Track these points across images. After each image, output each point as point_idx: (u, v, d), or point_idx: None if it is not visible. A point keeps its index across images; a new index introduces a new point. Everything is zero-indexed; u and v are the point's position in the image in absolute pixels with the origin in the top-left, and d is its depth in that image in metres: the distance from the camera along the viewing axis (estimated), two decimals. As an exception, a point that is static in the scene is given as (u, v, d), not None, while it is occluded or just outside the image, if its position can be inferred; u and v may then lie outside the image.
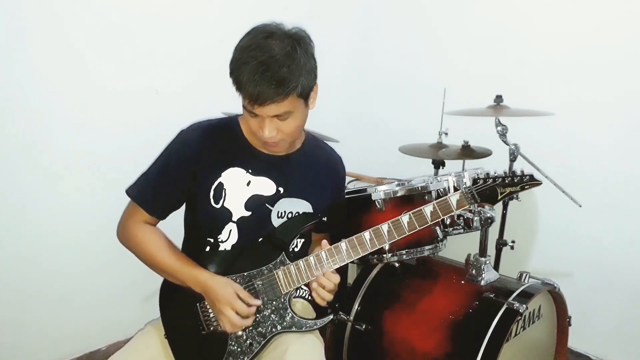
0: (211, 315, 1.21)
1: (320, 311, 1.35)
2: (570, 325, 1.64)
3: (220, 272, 1.21)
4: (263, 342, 1.19)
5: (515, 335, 1.45)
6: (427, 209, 1.21)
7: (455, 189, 1.52)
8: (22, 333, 1.79)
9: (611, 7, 1.85)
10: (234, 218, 1.24)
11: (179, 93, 2.01)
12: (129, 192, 1.26)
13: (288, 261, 1.22)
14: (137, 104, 1.92)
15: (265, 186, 1.26)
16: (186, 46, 2.00)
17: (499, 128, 1.62)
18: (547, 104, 1.82)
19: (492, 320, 1.36)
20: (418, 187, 1.55)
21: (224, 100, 1.86)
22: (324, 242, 1.22)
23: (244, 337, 1.19)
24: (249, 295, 1.18)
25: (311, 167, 1.33)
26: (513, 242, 1.82)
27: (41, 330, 1.83)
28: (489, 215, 1.52)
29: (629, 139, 1.88)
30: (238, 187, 1.24)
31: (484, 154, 1.82)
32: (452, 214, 1.22)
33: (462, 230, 1.59)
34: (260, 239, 1.25)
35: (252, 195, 1.25)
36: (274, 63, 1.06)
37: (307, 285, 1.43)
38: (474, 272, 1.56)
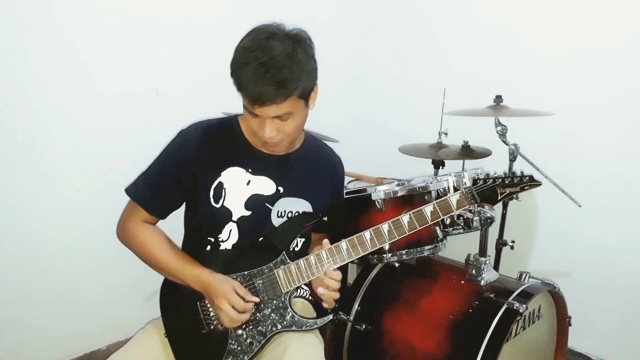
0: (211, 314, 1.21)
1: (320, 310, 1.35)
2: (570, 325, 1.64)
3: (221, 271, 1.21)
4: (263, 341, 1.19)
5: (515, 335, 1.45)
6: (427, 209, 1.21)
7: (455, 189, 1.52)
8: (22, 333, 1.79)
9: (611, 7, 1.85)
10: (234, 217, 1.24)
11: (179, 93, 2.01)
12: (128, 191, 1.26)
13: (288, 260, 1.22)
14: (137, 105, 1.92)
15: (265, 185, 1.26)
16: (186, 46, 2.00)
17: (499, 128, 1.62)
18: (547, 104, 1.82)
19: (492, 320, 1.36)
20: (418, 187, 1.55)
21: (224, 101, 1.86)
22: (325, 241, 1.22)
23: (244, 336, 1.19)
24: (247, 292, 1.18)
25: (311, 167, 1.33)
26: (513, 242, 1.82)
27: (41, 330, 1.83)
28: (488, 215, 1.52)
29: (629, 139, 1.88)
30: (238, 186, 1.24)
31: (483, 154, 1.82)
32: (452, 214, 1.23)
33: (462, 230, 1.59)
34: (260, 239, 1.26)
35: (252, 195, 1.25)
36: (274, 64, 1.07)
37: (307, 284, 1.44)
38: (473, 272, 1.56)
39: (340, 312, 1.64)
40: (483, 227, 1.54)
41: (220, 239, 1.25)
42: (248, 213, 1.25)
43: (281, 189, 1.27)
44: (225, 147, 1.25)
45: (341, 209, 1.46)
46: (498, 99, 1.77)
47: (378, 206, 1.54)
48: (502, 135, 1.62)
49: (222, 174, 1.24)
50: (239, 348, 1.19)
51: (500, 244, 1.85)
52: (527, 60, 2.08)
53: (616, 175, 1.92)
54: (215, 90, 2.07)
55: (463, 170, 1.59)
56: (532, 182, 1.23)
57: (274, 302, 1.21)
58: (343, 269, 1.32)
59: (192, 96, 2.02)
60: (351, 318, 1.61)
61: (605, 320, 2.02)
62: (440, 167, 2.00)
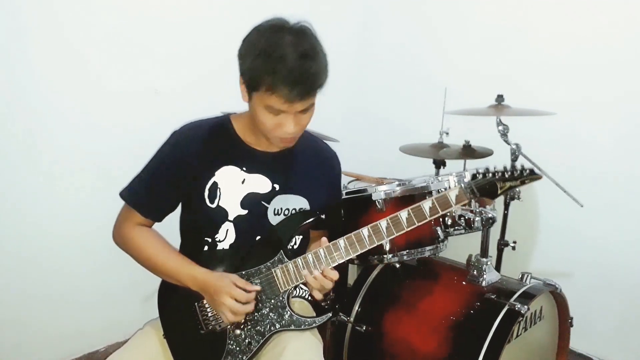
0: (209, 314, 1.20)
1: (319, 310, 1.34)
2: (572, 326, 1.63)
3: (219, 271, 1.20)
4: (262, 340, 1.19)
5: (517, 336, 1.44)
6: (426, 205, 1.19)
7: (457, 189, 1.51)
8: (22, 333, 1.79)
9: (612, 7, 1.84)
10: (230, 217, 1.24)
11: (179, 93, 2.00)
12: (122, 195, 1.25)
13: (286, 259, 1.21)
14: (137, 104, 1.91)
15: (260, 184, 1.26)
16: (186, 46, 1.99)
17: (500, 128, 1.61)
18: (549, 103, 1.81)
19: (493, 321, 1.35)
20: (419, 187, 1.55)
21: (223, 100, 1.86)
22: (324, 239, 1.21)
23: (243, 336, 1.19)
24: (246, 282, 1.17)
25: (306, 163, 1.32)
26: (514, 242, 1.81)
27: (41, 330, 1.83)
28: (490, 215, 1.51)
29: (630, 138, 1.87)
30: (233, 185, 1.24)
31: (485, 153, 1.81)
32: (451, 209, 1.20)
33: (463, 231, 1.58)
34: (258, 238, 1.25)
35: (248, 194, 1.24)
36: (307, 58, 1.07)
37: (305, 284, 1.43)
38: (475, 272, 1.55)
39: (341, 313, 1.63)
40: (484, 227, 1.53)
41: (217, 239, 1.24)
42: (244, 212, 1.24)
43: (277, 187, 1.26)
44: (218, 146, 1.24)
45: (338, 204, 1.45)
46: (499, 98, 1.76)
47: (378, 206, 1.53)
48: (504, 134, 1.62)
49: (217, 173, 1.23)
50: (237, 348, 1.18)
51: (502, 244, 1.84)
52: (529, 60, 2.07)
53: (618, 175, 1.91)
54: (215, 90, 2.08)
55: (464, 170, 1.58)
56: (532, 176, 1.20)
57: (272, 301, 1.20)
58: (343, 270, 1.32)
59: (191, 96, 2.02)
60: (351, 319, 1.61)
61: (607, 321, 2.01)
62: (442, 167, 1.99)
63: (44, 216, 1.77)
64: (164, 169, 1.23)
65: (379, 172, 2.08)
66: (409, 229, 1.19)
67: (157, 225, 1.31)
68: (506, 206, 1.82)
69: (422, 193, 1.55)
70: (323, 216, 1.32)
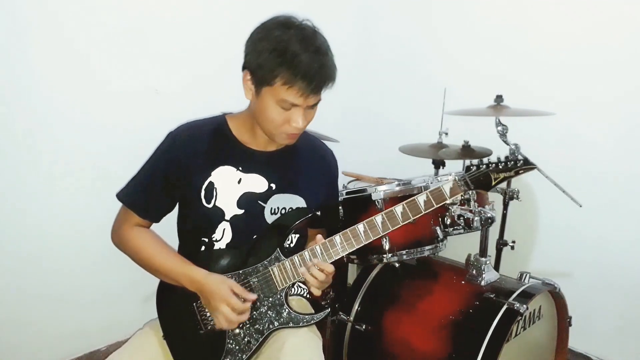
0: (208, 314, 1.21)
1: (317, 307, 1.35)
2: (570, 325, 1.64)
3: (216, 271, 1.20)
4: (261, 339, 1.19)
5: (516, 335, 1.45)
6: (421, 198, 1.19)
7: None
8: (22, 333, 1.79)
9: (611, 7, 1.85)
10: (227, 217, 1.24)
11: (179, 93, 2.01)
12: (119, 196, 1.26)
13: (283, 257, 1.21)
14: (137, 104, 1.92)
15: (256, 183, 1.26)
16: (186, 46, 2.00)
17: (500, 128, 1.61)
18: (548, 103, 1.81)
19: (492, 321, 1.36)
20: (418, 187, 1.55)
21: (223, 100, 1.86)
22: (319, 236, 1.21)
23: (242, 335, 1.19)
24: (244, 290, 1.17)
25: (303, 162, 1.32)
26: (513, 242, 1.81)
27: (41, 330, 1.83)
28: (489, 215, 1.51)
29: (630, 138, 1.87)
30: (229, 185, 1.24)
31: (484, 153, 1.82)
32: (446, 202, 1.20)
33: (462, 231, 1.59)
34: (254, 236, 1.25)
35: (244, 193, 1.25)
36: (323, 52, 1.11)
37: (303, 282, 1.43)
38: (474, 272, 1.55)
39: (341, 313, 1.64)
40: (483, 227, 1.53)
41: (214, 239, 1.24)
42: (241, 212, 1.24)
43: (273, 186, 1.27)
44: (214, 146, 1.24)
45: (335, 203, 1.45)
46: (499, 98, 1.77)
47: (378, 206, 1.53)
48: (503, 135, 1.62)
49: (212, 173, 1.23)
50: (237, 347, 1.19)
51: (501, 244, 1.85)
52: (528, 60, 2.08)
53: (617, 175, 1.91)
54: (215, 90, 2.08)
55: (464, 170, 1.59)
56: (526, 166, 1.19)
57: (270, 299, 1.20)
58: (343, 269, 1.32)
59: (192, 96, 2.02)
60: (351, 318, 1.61)
61: (606, 320, 2.01)
62: (441, 167, 1.99)
63: (44, 216, 1.78)
64: (160, 170, 1.23)
65: (379, 172, 2.09)
66: (404, 223, 1.19)
67: (155, 226, 1.32)
68: (505, 206, 1.82)
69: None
70: (319, 213, 1.32)
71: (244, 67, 1.17)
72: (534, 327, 1.54)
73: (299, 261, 1.20)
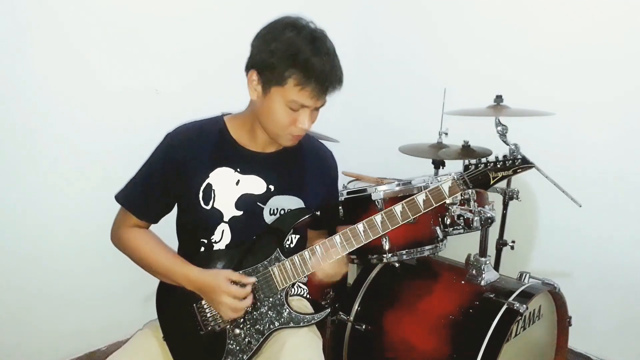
0: (208, 315, 1.21)
1: (317, 307, 1.35)
2: (570, 325, 1.64)
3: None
4: (261, 339, 1.19)
5: (516, 335, 1.45)
6: (420, 197, 1.19)
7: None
8: (22, 333, 1.79)
9: (611, 7, 1.85)
10: (226, 218, 1.24)
11: (179, 93, 2.01)
12: (118, 198, 1.26)
13: (283, 257, 1.21)
14: (137, 104, 1.92)
15: (255, 184, 1.25)
16: (186, 46, 2.00)
17: (499, 128, 1.61)
18: (547, 104, 1.81)
19: (492, 320, 1.36)
20: (418, 187, 1.55)
21: (224, 100, 1.86)
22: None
23: (242, 335, 1.19)
24: (241, 275, 1.17)
25: (301, 162, 1.32)
26: (513, 242, 1.82)
27: (41, 330, 1.83)
28: (489, 215, 1.51)
29: (629, 138, 1.87)
30: (227, 187, 1.24)
31: (484, 154, 1.82)
32: (445, 201, 1.20)
33: (462, 230, 1.59)
34: (254, 237, 1.25)
35: (242, 195, 1.24)
36: (333, 54, 1.13)
37: (303, 282, 1.43)
38: (474, 272, 1.56)
39: (340, 313, 1.64)
40: (483, 227, 1.54)
41: (213, 240, 1.24)
42: (239, 213, 1.24)
43: (272, 187, 1.26)
44: (212, 147, 1.24)
45: (336, 204, 1.45)
46: (498, 98, 1.77)
47: (378, 206, 1.54)
48: (503, 135, 1.62)
49: (210, 175, 1.23)
50: (237, 347, 1.19)
51: (501, 244, 1.85)
52: (528, 60, 2.08)
53: (616, 175, 1.91)
54: (215, 90, 2.08)
55: (463, 170, 1.59)
56: (524, 165, 1.19)
57: (270, 299, 1.20)
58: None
59: (192, 96, 2.02)
60: (351, 318, 1.61)
61: (606, 320, 2.01)
62: (441, 167, 1.99)
63: (44, 216, 1.78)
64: (158, 171, 1.23)
65: (379, 172, 2.09)
66: (403, 222, 1.19)
67: (154, 226, 1.32)
68: (505, 206, 1.82)
69: (422, 193, 1.55)
70: (318, 213, 1.32)
71: (251, 67, 1.16)
72: (534, 327, 1.54)
73: (299, 261, 1.20)
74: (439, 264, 1.75)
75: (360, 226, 1.19)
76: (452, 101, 2.00)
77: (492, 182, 1.20)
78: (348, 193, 1.60)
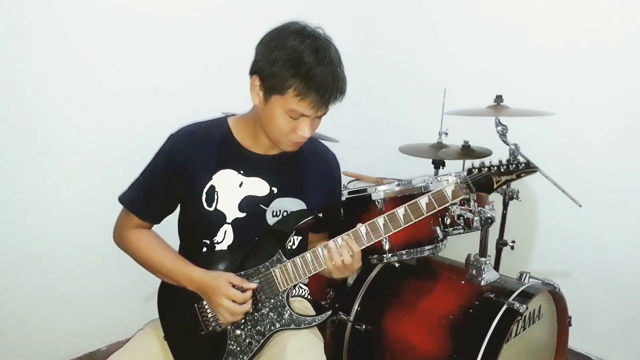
0: (209, 315, 1.21)
1: (318, 308, 1.35)
2: (570, 325, 1.64)
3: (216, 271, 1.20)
4: (262, 340, 1.19)
5: (516, 335, 1.45)
6: (423, 201, 1.19)
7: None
8: (22, 333, 1.79)
9: (611, 7, 1.85)
10: (229, 220, 1.24)
11: (179, 93, 2.01)
12: (121, 199, 1.27)
13: (285, 259, 1.21)
14: (138, 104, 1.92)
15: (258, 187, 1.26)
16: (186, 46, 2.00)
17: (499, 128, 1.61)
18: (548, 104, 1.81)
19: (492, 320, 1.36)
20: (418, 187, 1.55)
21: (224, 100, 1.87)
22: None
23: (243, 336, 1.19)
24: (242, 280, 1.18)
25: (305, 166, 1.32)
26: (513, 242, 1.81)
27: (41, 330, 1.83)
28: (489, 215, 1.51)
29: (629, 138, 1.87)
30: (230, 189, 1.24)
31: (484, 154, 1.82)
32: (448, 204, 1.20)
33: (462, 230, 1.59)
34: (256, 238, 1.25)
35: (246, 197, 1.24)
36: (336, 65, 1.11)
37: (304, 283, 1.43)
38: (474, 272, 1.56)
39: (340, 313, 1.64)
40: (483, 227, 1.53)
41: (215, 241, 1.24)
42: (242, 215, 1.24)
43: (275, 190, 1.26)
44: (215, 149, 1.24)
45: (337, 206, 1.45)
46: (498, 98, 1.77)
47: (378, 206, 1.54)
48: (503, 135, 1.62)
49: (214, 177, 1.23)
50: (238, 348, 1.19)
51: (501, 244, 1.85)
52: (528, 60, 2.08)
53: (617, 175, 1.91)
54: (216, 90, 2.08)
55: (463, 170, 1.59)
56: (527, 169, 1.19)
57: (272, 301, 1.21)
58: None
59: (192, 96, 2.02)
60: (351, 318, 1.61)
61: (606, 320, 2.01)
62: (441, 167, 2.00)
63: (44, 216, 1.78)
64: (161, 173, 1.23)
65: (379, 172, 2.09)
66: (406, 225, 1.19)
67: (156, 226, 1.32)
68: (505, 206, 1.82)
69: (421, 193, 1.54)
70: (320, 215, 1.32)
71: (254, 72, 1.15)
72: (534, 327, 1.54)
73: (300, 263, 1.20)
74: (439, 264, 1.75)
75: (362, 228, 1.19)
76: (452, 101, 2.01)
77: (495, 186, 1.19)
78: (348, 193, 1.60)
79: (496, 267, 1.86)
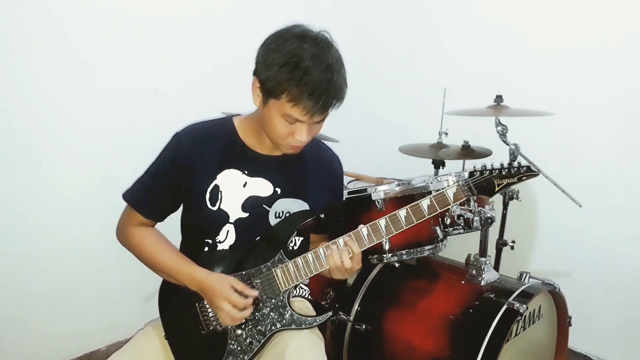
0: (210, 315, 1.21)
1: (319, 309, 1.35)
2: (570, 325, 1.64)
3: (219, 271, 1.21)
4: (263, 340, 1.19)
5: (516, 335, 1.45)
6: (424, 203, 1.20)
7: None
8: (22, 333, 1.79)
9: (611, 7, 1.85)
10: (231, 219, 1.24)
11: (179, 93, 2.01)
12: (125, 196, 1.26)
13: (286, 259, 1.21)
14: (138, 104, 1.92)
15: (262, 187, 1.26)
16: (186, 46, 2.00)
17: (499, 128, 1.62)
18: (547, 103, 1.82)
19: (492, 320, 1.36)
20: (418, 187, 1.55)
21: (224, 100, 1.87)
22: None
23: (244, 336, 1.19)
24: (245, 286, 1.17)
25: (308, 167, 1.32)
26: (513, 242, 1.82)
27: (41, 330, 1.83)
28: (489, 215, 1.51)
29: (629, 138, 1.88)
30: (234, 189, 1.24)
31: (484, 154, 1.82)
32: (449, 206, 1.21)
33: (462, 230, 1.59)
34: (258, 238, 1.25)
35: (249, 197, 1.25)
36: (333, 73, 1.08)
37: (305, 284, 1.43)
38: (474, 272, 1.56)
39: (340, 312, 1.64)
40: (483, 227, 1.53)
41: (217, 240, 1.24)
42: (245, 215, 1.24)
43: (278, 190, 1.26)
44: (220, 149, 1.24)
45: (339, 207, 1.45)
46: (498, 98, 1.77)
47: (378, 206, 1.54)
48: (503, 135, 1.62)
49: (218, 176, 1.23)
50: (239, 348, 1.19)
51: (501, 244, 1.85)
52: (528, 60, 2.08)
53: (617, 175, 1.92)
54: (216, 90, 2.08)
55: (463, 170, 1.59)
56: (529, 172, 1.20)
57: (273, 301, 1.21)
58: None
59: (192, 96, 2.02)
60: (351, 318, 1.61)
61: (606, 320, 2.01)
62: (441, 167, 2.00)
63: (44, 216, 1.78)
64: (165, 171, 1.23)
65: (379, 172, 2.09)
66: (407, 227, 1.20)
67: (158, 224, 1.32)
68: (505, 206, 1.82)
69: (421, 193, 1.55)
70: (322, 215, 1.32)
71: (254, 73, 1.15)
72: (534, 327, 1.54)
73: (302, 263, 1.20)
74: (439, 264, 1.75)
75: (364, 230, 1.20)
76: (452, 101, 2.01)
77: (496, 189, 1.20)
78: (348, 193, 1.60)
79: (496, 267, 1.86)
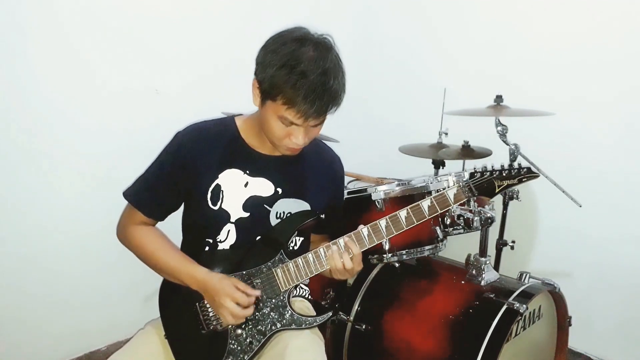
0: (210, 314, 1.21)
1: (319, 309, 1.35)
2: (570, 325, 1.64)
3: (219, 271, 1.21)
4: (263, 340, 1.19)
5: (516, 335, 1.45)
6: (425, 204, 1.20)
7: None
8: (22, 333, 1.79)
9: (611, 7, 1.85)
10: (232, 219, 1.24)
11: (179, 93, 2.01)
12: (126, 195, 1.26)
13: (287, 259, 1.21)
14: (138, 104, 1.92)
15: (263, 187, 1.26)
16: (187, 46, 2.00)
17: (499, 128, 1.62)
18: (547, 103, 1.82)
19: (492, 320, 1.36)
20: (418, 187, 1.55)
21: (224, 100, 1.87)
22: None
23: (244, 336, 1.19)
24: (247, 286, 1.18)
25: (309, 167, 1.32)
26: (513, 242, 1.82)
27: (41, 330, 1.83)
28: (489, 215, 1.51)
29: (629, 138, 1.88)
30: (236, 188, 1.24)
31: (484, 154, 1.82)
32: (450, 207, 1.21)
33: (462, 230, 1.59)
34: (258, 238, 1.25)
35: (250, 197, 1.25)
36: (330, 77, 1.07)
37: (305, 284, 1.43)
38: (474, 272, 1.56)
39: (340, 312, 1.64)
40: (483, 227, 1.53)
41: (218, 240, 1.25)
42: (246, 215, 1.24)
43: (280, 190, 1.27)
44: (222, 148, 1.24)
45: (340, 208, 1.45)
46: (498, 98, 1.77)
47: (378, 206, 1.54)
48: (503, 135, 1.62)
49: (220, 176, 1.23)
50: (239, 348, 1.19)
51: (501, 244, 1.85)
52: (528, 60, 2.08)
53: (617, 175, 1.92)
54: (216, 90, 2.08)
55: (463, 170, 1.59)
56: (529, 174, 1.20)
57: (273, 300, 1.21)
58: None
59: (192, 96, 2.02)
60: (351, 318, 1.61)
61: (606, 320, 2.01)
62: (441, 167, 2.00)
63: (44, 216, 1.78)
64: (167, 170, 1.24)
65: (379, 172, 2.09)
66: (408, 228, 1.20)
67: (159, 223, 1.32)
68: (505, 206, 1.82)
69: (421, 193, 1.55)
70: (323, 216, 1.33)
71: (254, 74, 1.16)
72: (534, 327, 1.54)
73: (302, 263, 1.20)
74: (439, 264, 1.75)
75: (364, 230, 1.20)
76: (452, 101, 2.01)
77: (497, 190, 1.20)
78: (348, 193, 1.60)
79: (496, 267, 1.86)
